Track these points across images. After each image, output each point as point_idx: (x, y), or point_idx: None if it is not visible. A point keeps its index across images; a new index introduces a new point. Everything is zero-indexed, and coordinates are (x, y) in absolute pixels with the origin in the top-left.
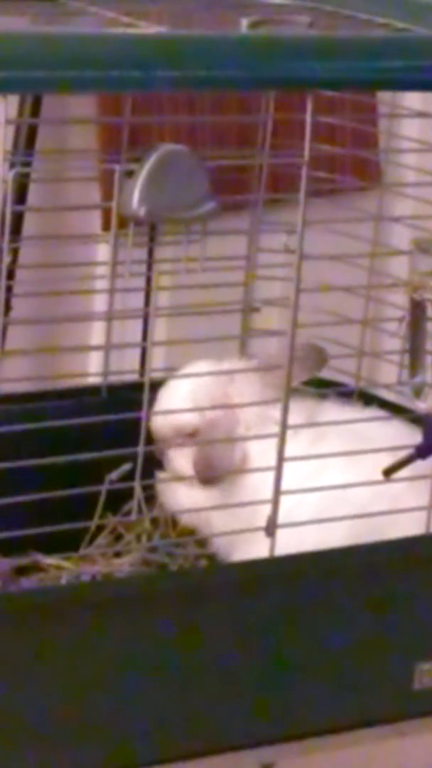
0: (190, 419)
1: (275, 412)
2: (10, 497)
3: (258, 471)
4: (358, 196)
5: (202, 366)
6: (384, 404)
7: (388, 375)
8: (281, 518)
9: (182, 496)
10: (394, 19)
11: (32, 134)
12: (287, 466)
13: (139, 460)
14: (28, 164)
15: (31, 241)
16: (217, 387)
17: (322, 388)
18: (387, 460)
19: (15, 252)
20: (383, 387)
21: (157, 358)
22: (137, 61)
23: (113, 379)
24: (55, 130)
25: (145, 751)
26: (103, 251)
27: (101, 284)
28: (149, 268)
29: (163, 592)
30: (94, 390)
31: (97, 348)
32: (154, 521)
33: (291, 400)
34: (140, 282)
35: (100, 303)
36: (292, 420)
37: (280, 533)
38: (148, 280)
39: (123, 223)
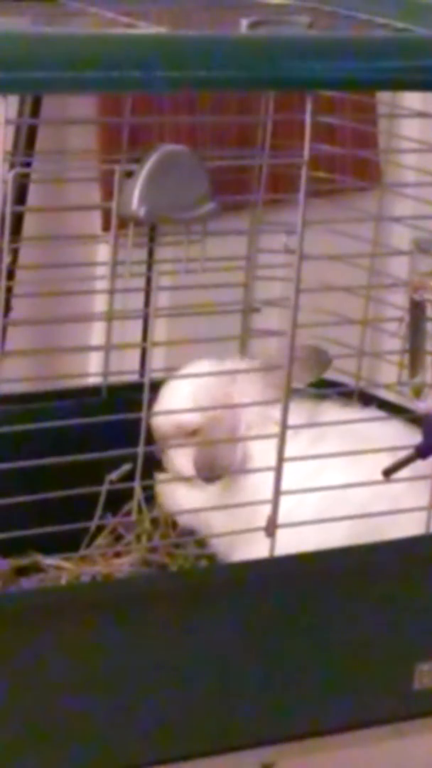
0: (192, 417)
1: (276, 412)
2: (10, 497)
3: (258, 471)
4: (358, 197)
5: (204, 365)
6: (384, 404)
7: (388, 375)
8: (281, 518)
9: (181, 497)
10: (394, 19)
11: (32, 134)
12: (287, 467)
13: (139, 461)
14: (28, 164)
15: (31, 241)
16: (219, 386)
17: (322, 388)
18: (387, 460)
19: (15, 252)
20: (383, 387)
21: (157, 359)
22: (137, 61)
23: (113, 379)
24: (55, 130)
25: (145, 751)
26: (103, 252)
27: (101, 284)
28: (149, 268)
29: (163, 592)
30: (94, 390)
31: (97, 348)
32: (154, 521)
33: (291, 400)
34: (140, 282)
35: (100, 303)
36: (292, 420)
37: (280, 533)
38: (148, 281)
39: (123, 223)
